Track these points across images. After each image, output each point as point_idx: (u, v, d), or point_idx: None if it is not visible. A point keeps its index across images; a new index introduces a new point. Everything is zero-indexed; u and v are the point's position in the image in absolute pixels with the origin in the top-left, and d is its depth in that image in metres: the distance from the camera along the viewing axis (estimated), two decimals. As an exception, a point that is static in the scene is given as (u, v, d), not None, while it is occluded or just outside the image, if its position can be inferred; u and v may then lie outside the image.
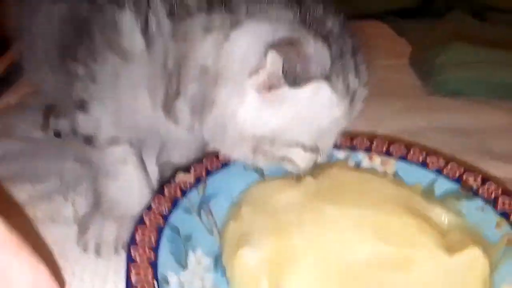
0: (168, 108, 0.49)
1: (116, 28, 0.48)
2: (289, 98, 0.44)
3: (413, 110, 0.93)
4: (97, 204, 0.58)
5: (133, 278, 0.44)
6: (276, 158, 0.51)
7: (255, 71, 0.44)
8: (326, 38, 0.45)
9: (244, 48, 0.44)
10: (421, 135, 0.81)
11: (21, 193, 0.62)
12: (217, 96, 0.46)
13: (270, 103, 0.45)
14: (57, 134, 0.77)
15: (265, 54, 0.42)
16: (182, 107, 0.48)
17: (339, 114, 0.48)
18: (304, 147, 0.50)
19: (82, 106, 0.54)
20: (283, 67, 0.42)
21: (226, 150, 0.51)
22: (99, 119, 0.54)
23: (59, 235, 0.55)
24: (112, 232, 0.55)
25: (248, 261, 0.48)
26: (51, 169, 0.68)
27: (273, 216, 0.55)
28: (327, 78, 0.44)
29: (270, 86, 0.44)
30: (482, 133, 0.85)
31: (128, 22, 0.48)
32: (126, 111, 0.52)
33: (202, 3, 0.46)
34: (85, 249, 0.54)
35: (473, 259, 0.49)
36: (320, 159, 0.56)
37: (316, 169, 0.62)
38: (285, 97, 0.44)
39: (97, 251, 0.54)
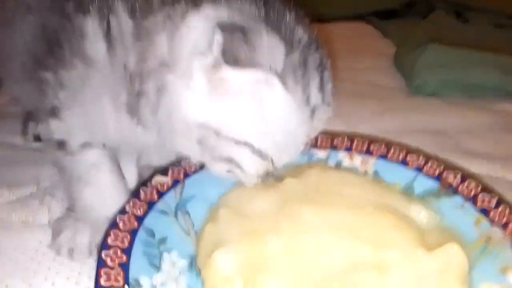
0: (133, 110, 0.49)
1: (81, 34, 0.48)
2: (235, 87, 0.44)
3: (393, 111, 0.93)
4: (71, 208, 0.57)
5: (103, 282, 0.43)
6: (223, 158, 0.49)
7: (203, 53, 0.43)
8: (289, 43, 0.45)
9: (197, 30, 0.44)
10: (401, 136, 0.80)
11: (-3, 198, 0.61)
12: (167, 82, 0.45)
13: (215, 89, 0.44)
14: (37, 138, 0.76)
15: (213, 35, 0.42)
16: (145, 107, 0.48)
17: (295, 122, 0.47)
18: (252, 149, 0.48)
19: (54, 112, 0.53)
20: (225, 45, 0.41)
21: (175, 144, 0.50)
22: (71, 125, 0.54)
23: (32, 240, 0.54)
24: (85, 236, 0.54)
25: (221, 264, 0.48)
26: (28, 175, 0.67)
27: (250, 220, 0.54)
28: (280, 76, 0.44)
29: (215, 69, 0.43)
30: (462, 133, 0.84)
31: (91, 27, 0.48)
32: (93, 117, 0.51)
33: None
34: (58, 253, 0.53)
35: (451, 256, 0.49)
36: (272, 169, 0.54)
37: (295, 170, 0.62)
38: (230, 84, 0.43)
39: (70, 255, 0.53)
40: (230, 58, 0.42)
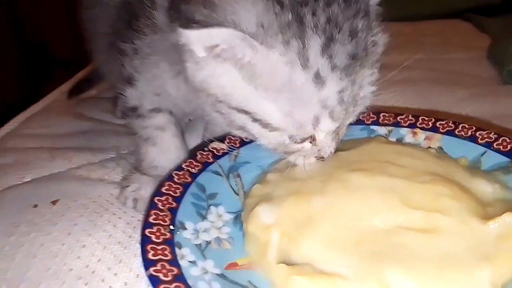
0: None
1: (154, 5, 0.53)
2: (218, 50, 0.44)
3: (479, 97, 0.86)
4: (137, 167, 0.64)
5: (151, 219, 0.47)
6: (237, 127, 0.50)
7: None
8: (279, 3, 0.43)
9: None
10: (485, 122, 0.75)
11: (80, 159, 0.70)
12: (185, 58, 0.48)
13: (208, 56, 0.45)
14: (123, 115, 0.85)
15: None
16: None
17: (291, 86, 0.44)
18: (251, 117, 0.47)
19: (129, 81, 0.61)
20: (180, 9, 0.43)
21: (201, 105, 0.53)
22: (141, 91, 0.61)
23: (105, 193, 0.61)
24: (148, 189, 0.59)
25: (262, 216, 0.49)
26: (110, 144, 0.76)
27: (297, 182, 0.54)
28: (256, 37, 0.42)
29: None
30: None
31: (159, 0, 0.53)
32: (157, 82, 0.57)
33: None
34: (124, 203, 0.59)
35: (508, 224, 0.44)
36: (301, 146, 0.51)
37: (352, 143, 0.61)
38: (215, 48, 0.43)
39: (134, 205, 0.59)
40: (183, 19, 0.43)
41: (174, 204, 0.51)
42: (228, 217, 0.53)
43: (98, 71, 0.86)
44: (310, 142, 0.51)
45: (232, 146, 0.62)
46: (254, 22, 0.43)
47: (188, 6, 0.43)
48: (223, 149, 0.62)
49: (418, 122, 0.65)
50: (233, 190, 0.57)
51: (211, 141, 0.62)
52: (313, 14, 0.44)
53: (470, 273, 0.40)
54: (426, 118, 0.65)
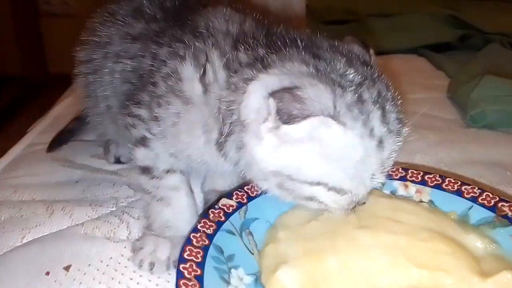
0: (221, 145, 0.57)
1: (178, 77, 0.57)
2: (296, 137, 0.49)
3: (449, 142, 0.94)
4: (149, 227, 0.64)
5: (182, 291, 0.49)
6: (304, 197, 0.55)
7: (266, 117, 0.49)
8: (341, 86, 0.50)
9: (257, 98, 0.51)
10: (457, 167, 0.82)
11: (80, 214, 0.69)
12: (245, 140, 0.53)
13: (282, 143, 0.50)
14: (118, 160, 0.86)
15: (268, 102, 0.48)
16: (231, 146, 0.56)
17: (362, 154, 0.51)
18: (326, 187, 0.53)
19: (143, 142, 0.62)
20: (277, 108, 0.47)
21: (259, 184, 0.58)
22: (158, 153, 0.62)
23: (115, 253, 0.61)
24: (165, 251, 0.60)
25: (285, 280, 0.52)
26: (107, 195, 0.75)
27: (308, 241, 0.58)
28: (333, 116, 0.48)
29: (277, 129, 0.49)
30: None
31: (188, 72, 0.57)
32: (182, 146, 0.59)
33: (250, 58, 0.54)
34: (140, 266, 0.59)
35: (506, 283, 0.50)
36: (357, 201, 0.57)
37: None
38: (292, 136, 0.49)
39: (151, 269, 0.59)
40: (285, 116, 0.47)
41: (199, 271, 0.52)
42: (249, 279, 0.55)
43: (86, 123, 0.87)
44: None
45: (240, 202, 0.65)
46: (331, 105, 0.49)
47: (283, 104, 0.47)
48: (232, 205, 0.64)
49: (408, 175, 0.71)
50: (248, 249, 0.59)
51: (220, 197, 0.65)
52: (368, 91, 0.51)
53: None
54: (415, 171, 0.71)
